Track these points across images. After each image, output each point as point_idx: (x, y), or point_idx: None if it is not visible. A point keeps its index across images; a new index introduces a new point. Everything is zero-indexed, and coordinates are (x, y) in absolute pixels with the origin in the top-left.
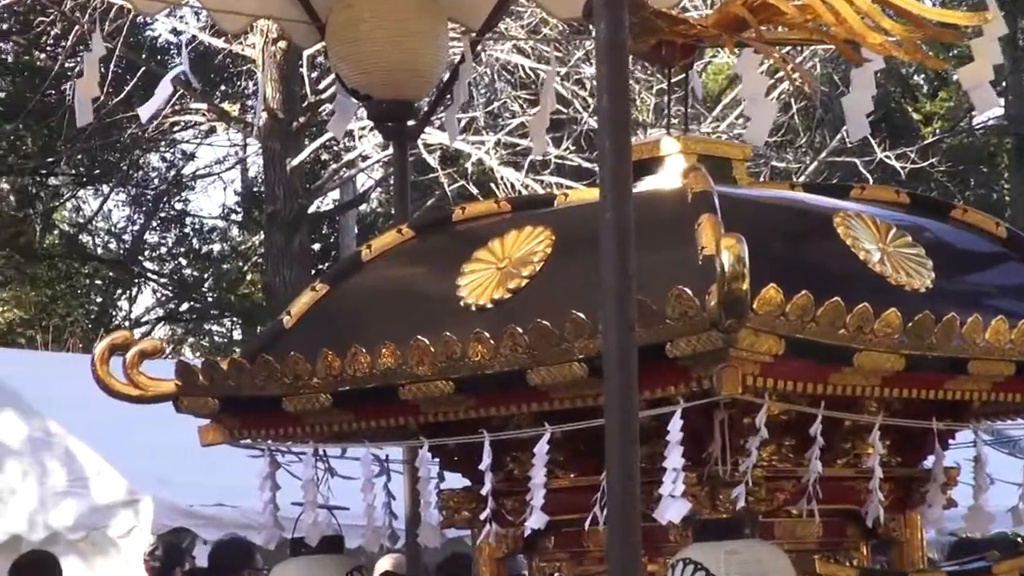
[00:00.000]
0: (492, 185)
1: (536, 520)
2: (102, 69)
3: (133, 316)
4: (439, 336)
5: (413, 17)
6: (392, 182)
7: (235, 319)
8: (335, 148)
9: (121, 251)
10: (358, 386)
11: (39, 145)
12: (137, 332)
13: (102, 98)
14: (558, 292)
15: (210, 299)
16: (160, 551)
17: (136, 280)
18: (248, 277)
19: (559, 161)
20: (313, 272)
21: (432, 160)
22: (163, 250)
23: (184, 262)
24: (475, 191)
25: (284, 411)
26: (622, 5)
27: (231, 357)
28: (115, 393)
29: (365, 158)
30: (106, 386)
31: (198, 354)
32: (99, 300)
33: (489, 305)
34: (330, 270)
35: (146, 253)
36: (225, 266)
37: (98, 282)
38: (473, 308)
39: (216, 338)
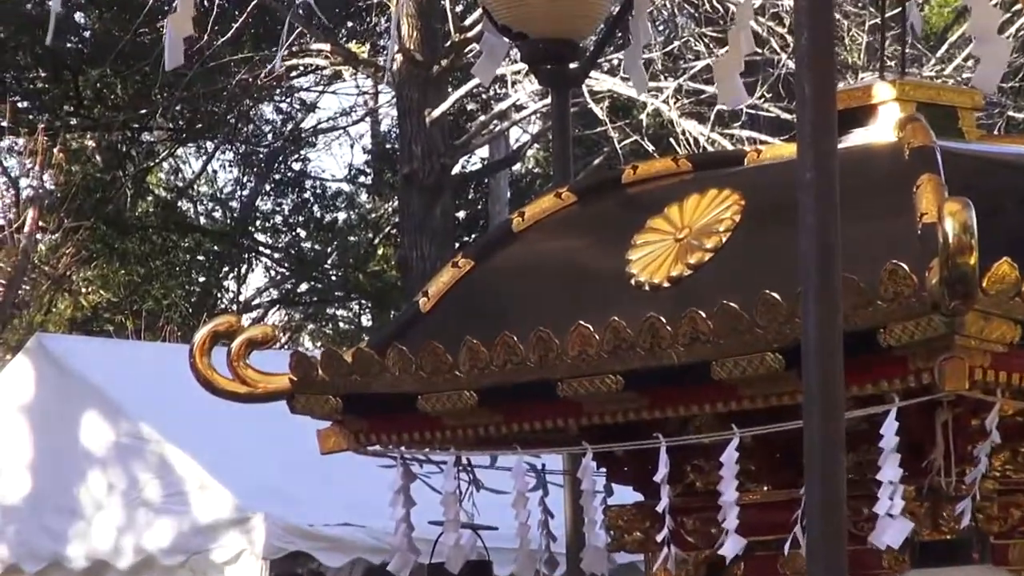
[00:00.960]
0: (671, 140)
1: (732, 546)
2: (203, 2)
3: (242, 298)
4: (605, 321)
5: None
6: (551, 137)
7: (364, 302)
8: (483, 97)
9: (228, 221)
10: (509, 381)
11: (130, 94)
12: (246, 318)
13: (204, 38)
14: (748, 268)
15: (334, 278)
16: None
17: (246, 255)
18: (380, 251)
19: (752, 112)
20: (457, 245)
21: (599, 111)
22: (278, 219)
23: (303, 234)
24: (650, 148)
25: (420, 411)
26: None
27: (356, 347)
28: (218, 390)
29: (519, 109)
30: (207, 382)
31: (319, 344)
32: (201, 280)
33: (665, 284)
34: (476, 243)
35: (258, 223)
36: (352, 238)
37: (200, 258)
38: (646, 287)
39: (341, 324)
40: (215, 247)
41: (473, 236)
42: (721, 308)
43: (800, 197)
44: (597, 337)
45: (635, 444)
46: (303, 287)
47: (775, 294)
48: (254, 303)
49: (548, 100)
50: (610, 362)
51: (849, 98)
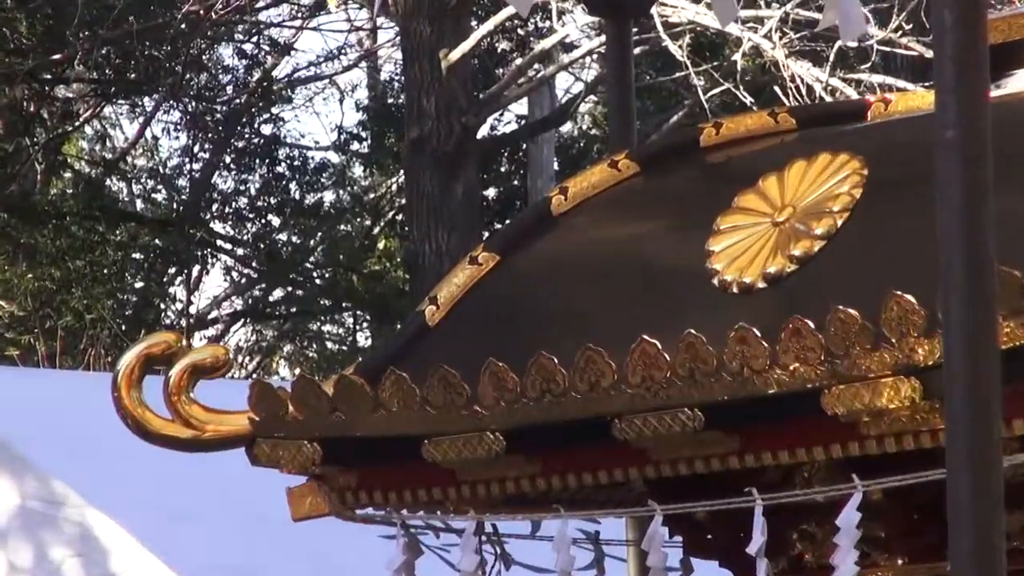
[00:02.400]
0: (776, 90)
1: None
2: None
3: (194, 311)
4: (678, 336)
5: None
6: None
7: (360, 314)
8: (519, 32)
9: (174, 205)
10: (547, 418)
11: (38, 34)
12: (199, 337)
13: None
14: (873, 262)
15: (319, 282)
16: None
17: (199, 252)
18: (381, 245)
19: (884, 48)
20: (485, 236)
21: (677, 50)
22: (242, 202)
23: (276, 222)
24: (748, 100)
25: (428, 461)
26: None
27: (340, 375)
28: (152, 435)
29: (568, 48)
30: (137, 423)
31: (297, 372)
32: (138, 286)
33: (760, 284)
34: (502, 231)
35: (215, 208)
36: (343, 227)
37: (136, 256)
38: (734, 289)
39: (330, 345)
40: (157, 241)
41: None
42: (837, 316)
43: (939, 162)
44: (667, 357)
45: (721, 503)
46: (277, 294)
47: (909, 296)
48: (210, 317)
49: (604, 38)
50: (686, 391)
51: (1005, 29)
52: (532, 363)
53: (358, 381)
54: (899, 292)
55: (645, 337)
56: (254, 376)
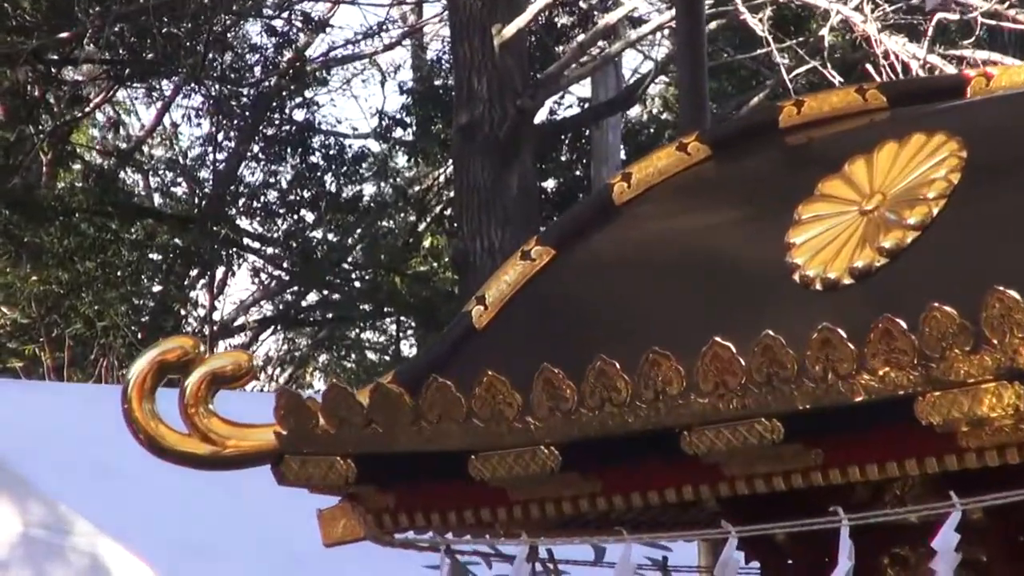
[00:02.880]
0: (869, 68)
1: None
2: None
3: (218, 316)
4: (755, 338)
5: None
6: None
7: (404, 319)
8: (580, 6)
9: (196, 200)
10: (608, 431)
11: (43, 10)
12: (226, 346)
13: None
14: (972, 254)
15: (358, 284)
16: None
17: (224, 252)
18: (426, 242)
19: (989, 22)
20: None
21: (757, 25)
22: (271, 196)
23: (310, 218)
24: (837, 79)
25: (475, 479)
26: None
27: (376, 383)
28: (166, 451)
29: (635, 24)
30: (150, 438)
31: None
32: (156, 289)
33: (846, 279)
34: (556, 224)
35: (241, 203)
36: (385, 224)
37: (154, 256)
38: (817, 285)
39: (369, 354)
40: (176, 240)
41: None
42: (934, 315)
43: None
44: (742, 361)
45: (803, 524)
46: (311, 298)
47: (1013, 292)
48: (236, 324)
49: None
50: (763, 399)
51: None
52: (591, 369)
53: (396, 390)
54: (1001, 288)
55: (717, 339)
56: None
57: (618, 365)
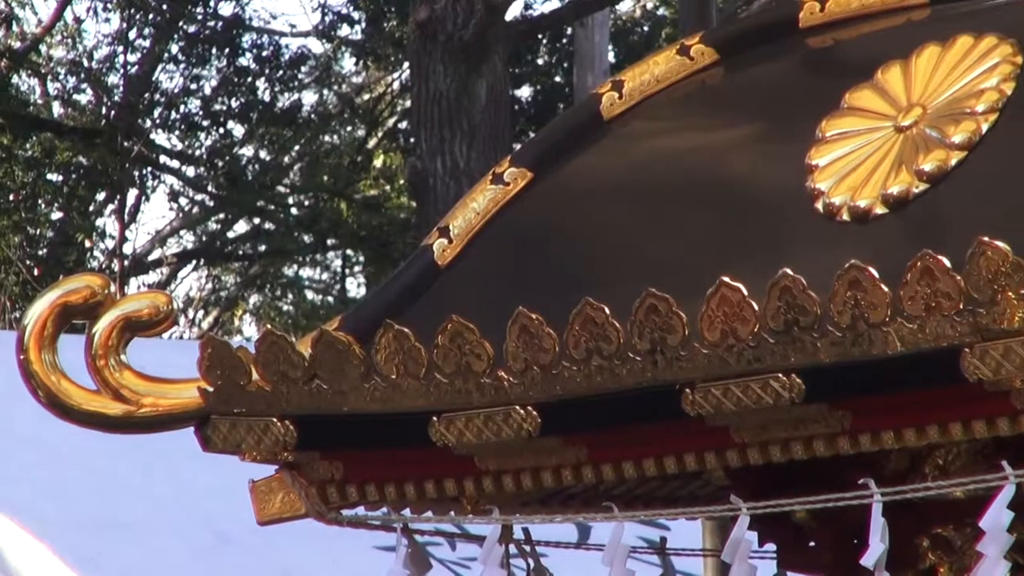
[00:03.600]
0: None
1: None
2: None
3: (131, 250)
4: (770, 277)
5: None
6: None
7: (351, 254)
8: None
9: (104, 110)
10: (597, 388)
11: None
12: (139, 285)
13: None
14: None
15: (296, 212)
16: None
17: (137, 172)
18: (378, 162)
19: None
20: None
21: None
22: (193, 106)
23: (239, 131)
24: None
25: (436, 445)
26: None
27: (320, 331)
28: (71, 410)
29: None
30: (51, 395)
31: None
32: (55, 217)
33: (879, 208)
34: (533, 141)
35: (157, 114)
36: (328, 139)
37: (53, 177)
38: (844, 215)
39: (311, 295)
40: (80, 158)
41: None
42: (981, 250)
43: None
44: (755, 306)
45: (827, 499)
46: (239, 228)
47: None
48: (152, 259)
49: None
50: (780, 351)
51: None
52: (575, 314)
53: (344, 339)
54: None
55: (726, 279)
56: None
57: (607, 310)
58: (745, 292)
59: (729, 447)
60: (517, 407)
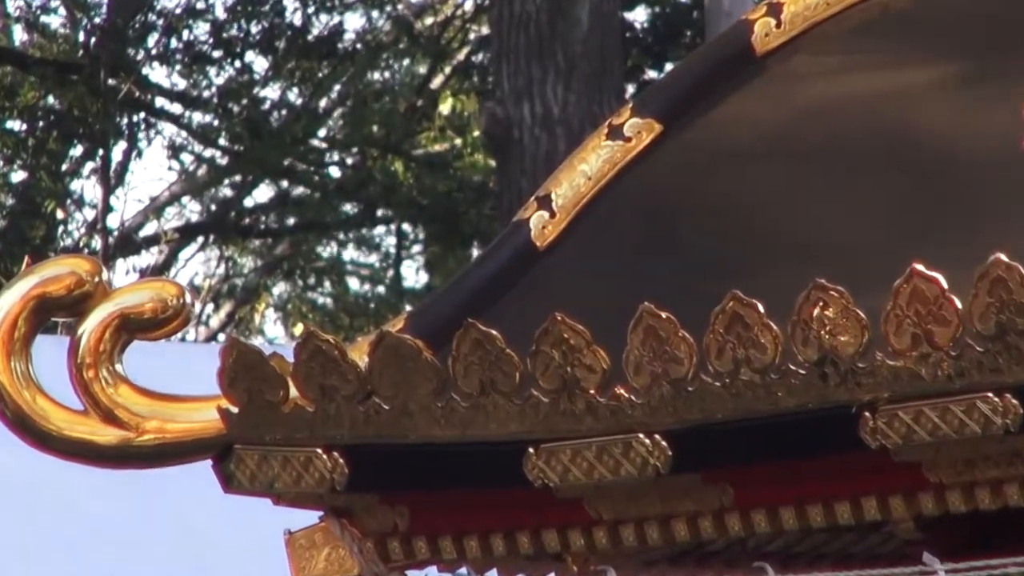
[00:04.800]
0: None
1: None
2: None
3: (118, 223)
4: (978, 264)
5: None
6: None
7: (408, 229)
8: None
9: (83, 37)
10: (747, 412)
11: None
12: (128, 269)
13: None
14: None
15: (336, 172)
16: None
17: (126, 119)
18: (444, 107)
19: None
20: (630, 92)
21: None
22: (200, 32)
23: (260, 65)
24: None
25: (533, 485)
26: None
27: (380, 333)
28: (45, 436)
29: None
30: (19, 416)
31: (299, 328)
32: (17, 178)
33: None
34: (660, 85)
35: (152, 42)
36: (377, 76)
37: (14, 126)
38: None
39: (356, 282)
40: (52, 99)
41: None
42: None
43: None
44: (957, 303)
45: None
46: (260, 194)
47: None
48: (145, 234)
49: None
50: (989, 362)
51: None
52: (718, 312)
53: (412, 344)
54: None
55: (918, 267)
56: (224, 335)
57: (761, 307)
58: (945, 284)
59: (922, 489)
60: (641, 435)
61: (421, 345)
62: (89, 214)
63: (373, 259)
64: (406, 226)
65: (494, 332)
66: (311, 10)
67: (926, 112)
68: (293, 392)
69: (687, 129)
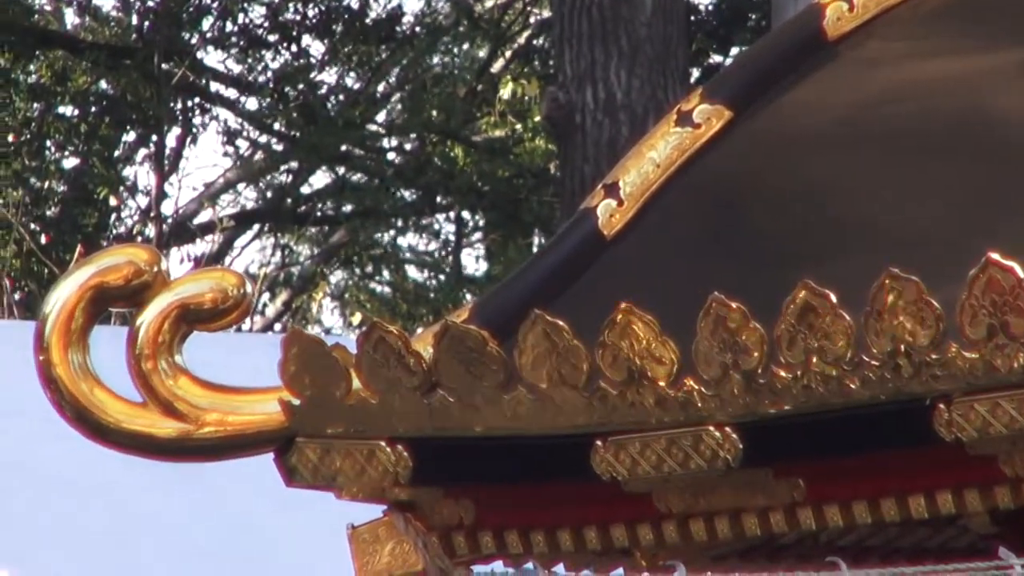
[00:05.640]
0: None
1: None
2: None
3: (172, 211)
4: None
5: None
6: None
7: (469, 217)
8: None
9: (135, 20)
10: (820, 404)
11: None
12: (183, 257)
13: None
14: None
15: (395, 158)
16: None
17: (180, 104)
18: (506, 91)
19: None
20: (696, 77)
21: None
22: (256, 15)
23: (318, 50)
24: None
25: (601, 478)
26: None
27: (446, 323)
28: (104, 429)
29: None
30: (78, 408)
31: (358, 318)
32: (70, 164)
33: None
34: (730, 70)
35: (207, 25)
36: (438, 60)
37: (67, 111)
38: None
39: (415, 271)
40: (104, 84)
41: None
42: None
43: None
44: None
45: None
46: (317, 180)
47: None
48: (199, 222)
49: None
50: None
51: None
52: (790, 302)
53: (478, 335)
54: None
55: (994, 256)
56: (282, 325)
57: (833, 297)
58: (1021, 274)
59: (998, 482)
60: (711, 428)
61: (487, 336)
62: (143, 201)
63: (432, 247)
64: (465, 213)
65: (561, 323)
66: None
67: (1000, 98)
68: (356, 384)
69: (757, 116)
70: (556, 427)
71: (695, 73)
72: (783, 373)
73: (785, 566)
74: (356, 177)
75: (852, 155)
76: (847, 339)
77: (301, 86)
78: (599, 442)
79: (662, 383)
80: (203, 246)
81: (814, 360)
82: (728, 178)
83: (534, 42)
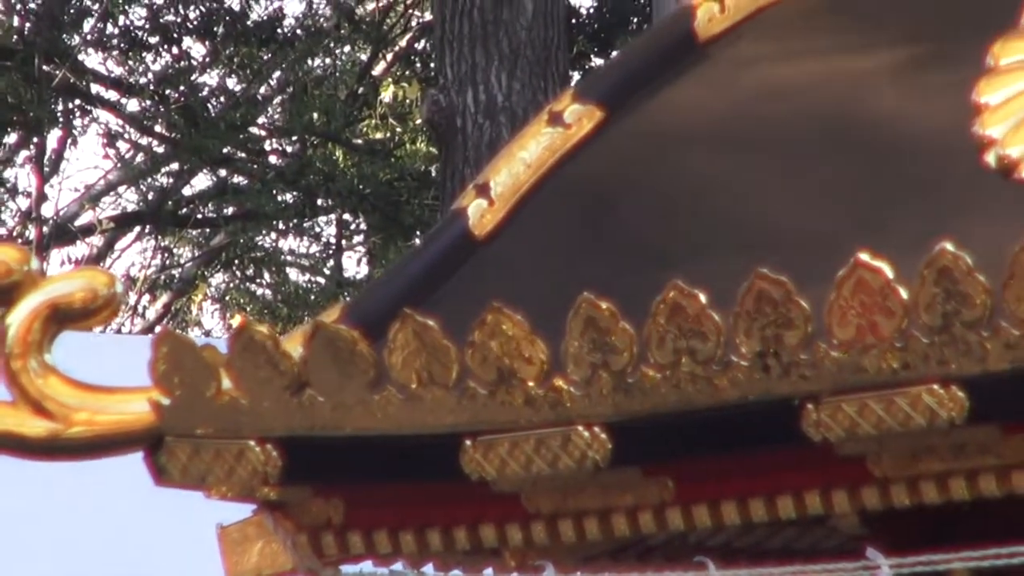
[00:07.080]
0: None
1: None
2: None
3: (52, 213)
4: (924, 253)
5: None
6: None
7: (350, 220)
8: None
9: (15, 20)
10: (689, 404)
11: None
12: (62, 259)
13: None
14: None
15: (275, 161)
16: None
17: (61, 106)
18: (385, 94)
19: None
20: (575, 78)
21: None
22: (137, 17)
23: (199, 52)
24: None
25: (470, 478)
26: None
27: (316, 324)
28: None
29: None
30: None
31: (236, 320)
32: None
33: None
34: (603, 70)
35: (87, 27)
36: (318, 62)
37: None
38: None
39: (295, 274)
40: None
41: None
42: None
43: None
44: (902, 291)
45: (999, 554)
46: (198, 182)
47: None
48: (79, 223)
49: None
50: (935, 354)
51: None
52: (660, 301)
53: (348, 335)
54: None
55: (863, 257)
56: (161, 327)
57: (703, 297)
58: (890, 274)
59: (866, 483)
60: (580, 427)
61: (357, 336)
62: (23, 203)
63: (313, 249)
64: (347, 216)
65: (431, 322)
66: None
67: (873, 98)
68: (226, 384)
69: (629, 116)
70: (425, 427)
71: (576, 76)
72: (652, 373)
73: (655, 566)
74: (237, 180)
75: (724, 155)
76: (716, 339)
77: (182, 88)
78: (468, 442)
79: (531, 383)
80: (84, 248)
81: (683, 360)
82: (600, 178)
83: (415, 45)
